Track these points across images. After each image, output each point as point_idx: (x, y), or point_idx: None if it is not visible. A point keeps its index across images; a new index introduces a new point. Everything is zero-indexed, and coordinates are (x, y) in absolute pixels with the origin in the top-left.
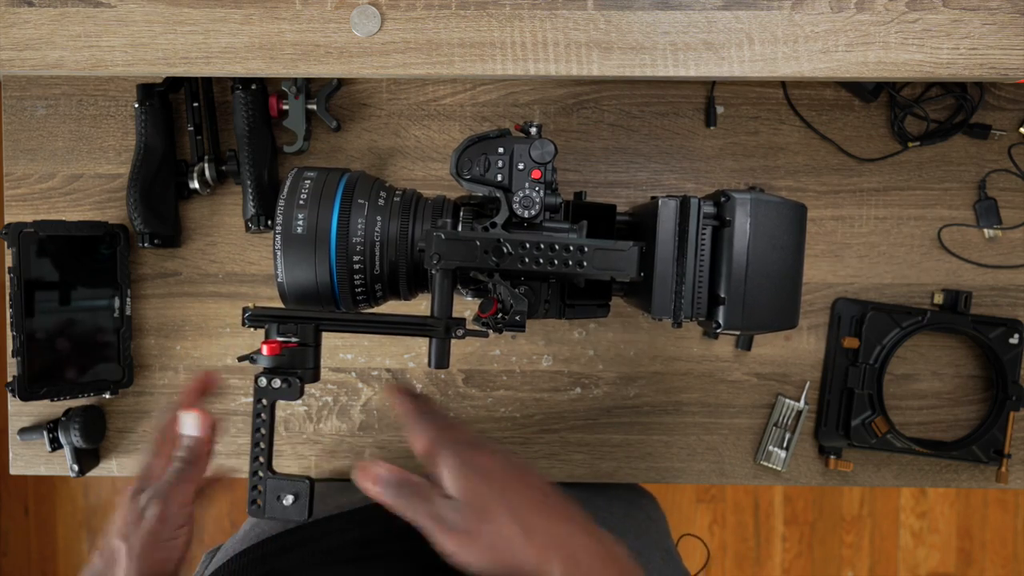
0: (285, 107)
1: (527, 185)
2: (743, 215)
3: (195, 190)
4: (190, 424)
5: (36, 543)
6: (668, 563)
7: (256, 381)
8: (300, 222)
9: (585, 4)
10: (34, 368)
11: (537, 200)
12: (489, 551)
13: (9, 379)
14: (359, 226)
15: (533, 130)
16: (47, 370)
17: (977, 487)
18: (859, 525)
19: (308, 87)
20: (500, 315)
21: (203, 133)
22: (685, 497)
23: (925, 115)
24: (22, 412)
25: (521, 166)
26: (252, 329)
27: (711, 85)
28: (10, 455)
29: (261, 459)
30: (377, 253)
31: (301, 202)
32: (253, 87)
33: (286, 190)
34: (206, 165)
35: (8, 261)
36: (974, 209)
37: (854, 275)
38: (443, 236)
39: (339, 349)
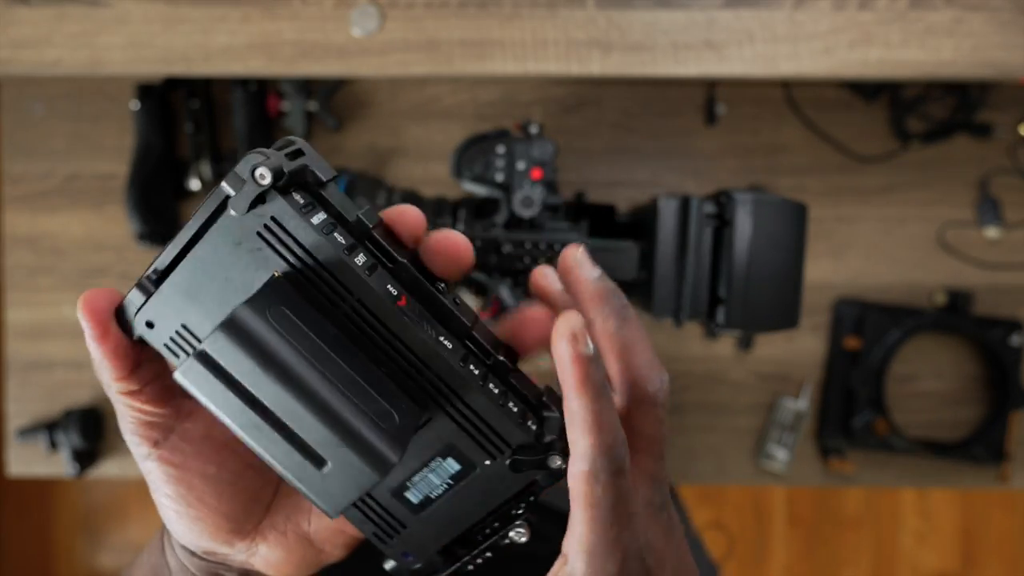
0: (284, 107)
1: (527, 185)
2: (744, 215)
3: (194, 190)
4: None
5: (34, 544)
6: (694, 547)
7: None
8: None
9: (585, 3)
10: None
11: (537, 200)
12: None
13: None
14: None
15: (533, 130)
16: None
17: (979, 487)
18: (861, 526)
19: (308, 86)
20: (500, 315)
21: (202, 132)
22: (685, 497)
23: (926, 115)
24: (20, 412)
25: (521, 166)
26: None
27: (712, 84)
28: (8, 456)
29: None
30: None
31: None
32: (252, 87)
33: None
34: (205, 165)
35: None
36: (976, 209)
37: (855, 275)
38: None
39: None
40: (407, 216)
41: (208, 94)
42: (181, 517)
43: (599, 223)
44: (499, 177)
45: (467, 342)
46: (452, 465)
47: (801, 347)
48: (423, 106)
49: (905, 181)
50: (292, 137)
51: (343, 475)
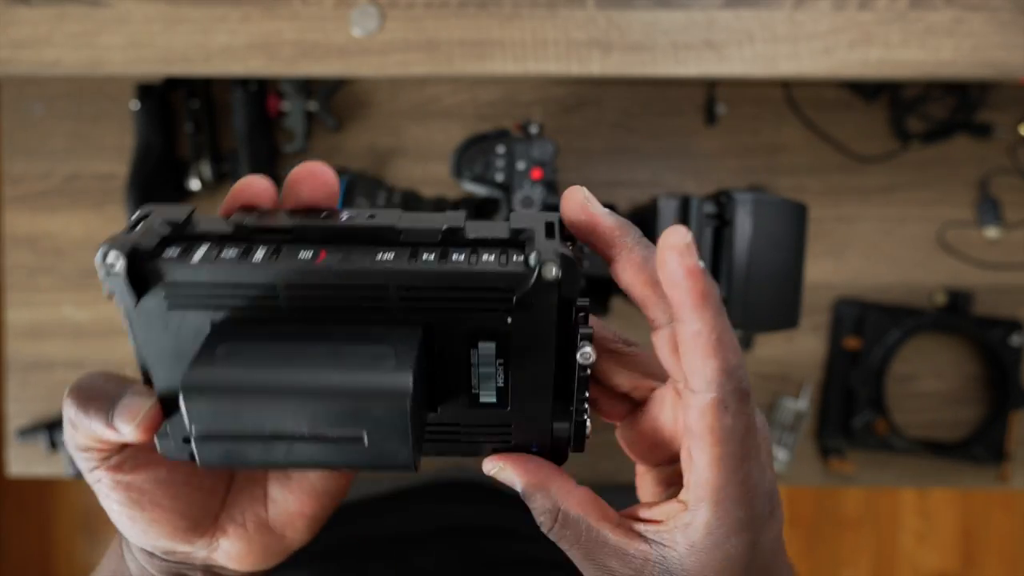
0: (284, 107)
1: (527, 185)
2: (744, 215)
3: (194, 190)
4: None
5: (34, 544)
6: None
7: None
8: None
9: (585, 3)
10: None
11: (537, 200)
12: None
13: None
14: None
15: (533, 129)
16: None
17: (979, 487)
18: (861, 526)
19: (308, 86)
20: None
21: (202, 132)
22: None
23: (926, 115)
24: (20, 412)
25: (521, 166)
26: None
27: (712, 84)
28: (8, 456)
29: None
30: None
31: None
32: (252, 87)
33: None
34: (205, 165)
35: None
36: (976, 209)
37: (855, 275)
38: None
39: None
40: (255, 186)
41: (208, 94)
42: (135, 521)
43: None
44: (499, 177)
45: (406, 240)
46: (487, 346)
47: (801, 347)
48: (423, 106)
49: (905, 181)
50: (143, 207)
51: (383, 430)
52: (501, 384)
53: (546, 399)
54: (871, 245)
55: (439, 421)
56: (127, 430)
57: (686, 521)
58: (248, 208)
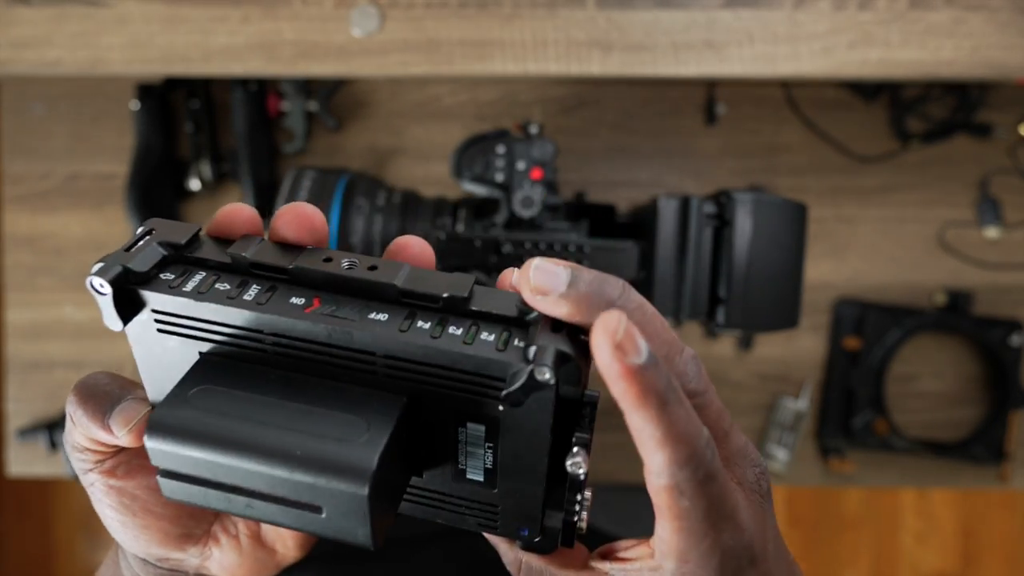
0: (284, 107)
1: (527, 185)
2: (744, 215)
3: (194, 190)
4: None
5: (34, 544)
6: None
7: None
8: None
9: (585, 3)
10: None
11: (537, 200)
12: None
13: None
14: (359, 227)
15: (533, 129)
16: None
17: (979, 487)
18: (861, 526)
19: (308, 86)
20: None
21: (202, 132)
22: None
23: (926, 115)
24: (20, 412)
25: (521, 166)
26: None
27: (712, 84)
28: (8, 456)
29: None
30: (377, 254)
31: None
32: (252, 87)
33: (285, 190)
34: (205, 165)
35: None
36: (976, 209)
37: (855, 275)
38: (442, 236)
39: None
40: (239, 215)
41: (208, 94)
42: (127, 527)
43: (599, 223)
44: (499, 177)
45: (405, 300)
46: (476, 428)
47: (801, 347)
48: (423, 106)
49: (905, 181)
50: (147, 222)
51: (341, 506)
52: (489, 466)
53: (537, 490)
54: (871, 245)
55: (424, 486)
56: (120, 433)
57: (653, 566)
58: (251, 236)
